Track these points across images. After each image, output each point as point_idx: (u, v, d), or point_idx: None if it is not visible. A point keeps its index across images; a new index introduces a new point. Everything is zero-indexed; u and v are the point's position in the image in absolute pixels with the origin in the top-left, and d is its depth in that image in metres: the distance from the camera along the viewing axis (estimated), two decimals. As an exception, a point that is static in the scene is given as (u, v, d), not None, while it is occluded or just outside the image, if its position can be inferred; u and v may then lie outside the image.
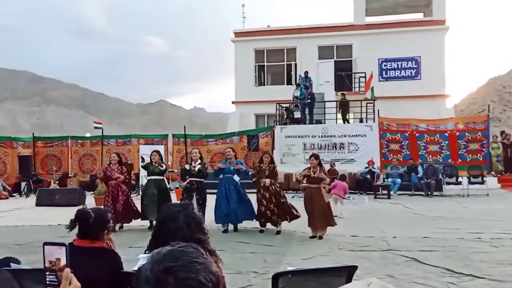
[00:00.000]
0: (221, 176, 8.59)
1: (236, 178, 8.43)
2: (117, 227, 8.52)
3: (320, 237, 7.48)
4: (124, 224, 8.71)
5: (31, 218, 9.98)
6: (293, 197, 12.36)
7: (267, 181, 8.15)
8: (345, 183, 10.54)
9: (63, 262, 1.13)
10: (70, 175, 17.15)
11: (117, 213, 8.47)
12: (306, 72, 19.68)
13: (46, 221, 9.32)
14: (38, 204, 12.45)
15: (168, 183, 10.09)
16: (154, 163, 8.80)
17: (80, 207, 2.73)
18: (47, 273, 1.14)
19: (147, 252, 1.80)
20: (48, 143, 18.22)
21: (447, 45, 22.20)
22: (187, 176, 8.51)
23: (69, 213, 2.75)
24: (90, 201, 11.94)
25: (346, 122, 18.86)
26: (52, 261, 1.14)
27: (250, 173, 9.03)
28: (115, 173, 8.71)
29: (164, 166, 9.05)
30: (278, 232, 8.06)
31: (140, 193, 10.37)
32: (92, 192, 12.90)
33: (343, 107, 19.05)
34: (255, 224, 8.43)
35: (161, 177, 8.86)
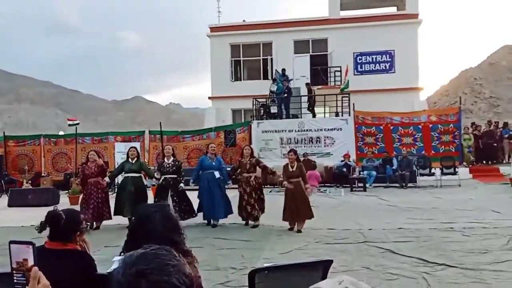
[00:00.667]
0: (201, 172, 8.56)
1: (217, 174, 8.40)
2: (93, 225, 8.41)
3: (299, 231, 7.56)
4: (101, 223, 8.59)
5: (3, 220, 9.71)
6: (270, 191, 12.42)
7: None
8: (316, 172, 10.76)
9: (30, 262, 1.08)
10: (43, 175, 16.76)
11: (96, 212, 8.35)
12: (284, 70, 19.64)
13: (18, 222, 9.08)
14: (10, 205, 12.12)
15: (145, 179, 9.93)
16: (131, 160, 8.67)
17: (51, 208, 2.66)
18: (14, 272, 1.09)
19: (122, 253, 1.79)
20: (20, 142, 17.72)
21: (420, 39, 22.62)
22: (160, 173, 8.41)
23: (43, 213, 2.68)
24: (64, 201, 11.72)
25: (313, 115, 18.46)
26: (19, 262, 1.09)
27: (228, 169, 9.03)
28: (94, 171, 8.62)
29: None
30: (255, 226, 8.09)
31: (116, 189, 10.19)
32: (67, 192, 12.65)
33: (310, 100, 18.72)
34: (233, 219, 8.44)
35: (139, 175, 8.74)
